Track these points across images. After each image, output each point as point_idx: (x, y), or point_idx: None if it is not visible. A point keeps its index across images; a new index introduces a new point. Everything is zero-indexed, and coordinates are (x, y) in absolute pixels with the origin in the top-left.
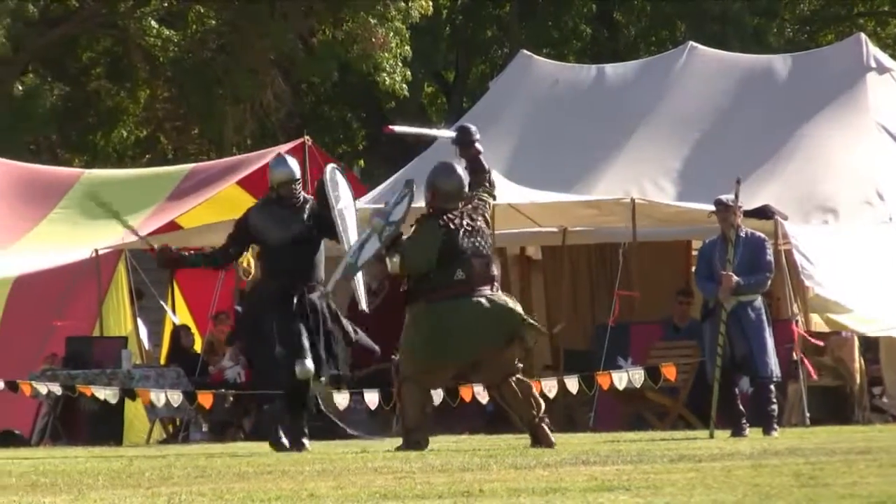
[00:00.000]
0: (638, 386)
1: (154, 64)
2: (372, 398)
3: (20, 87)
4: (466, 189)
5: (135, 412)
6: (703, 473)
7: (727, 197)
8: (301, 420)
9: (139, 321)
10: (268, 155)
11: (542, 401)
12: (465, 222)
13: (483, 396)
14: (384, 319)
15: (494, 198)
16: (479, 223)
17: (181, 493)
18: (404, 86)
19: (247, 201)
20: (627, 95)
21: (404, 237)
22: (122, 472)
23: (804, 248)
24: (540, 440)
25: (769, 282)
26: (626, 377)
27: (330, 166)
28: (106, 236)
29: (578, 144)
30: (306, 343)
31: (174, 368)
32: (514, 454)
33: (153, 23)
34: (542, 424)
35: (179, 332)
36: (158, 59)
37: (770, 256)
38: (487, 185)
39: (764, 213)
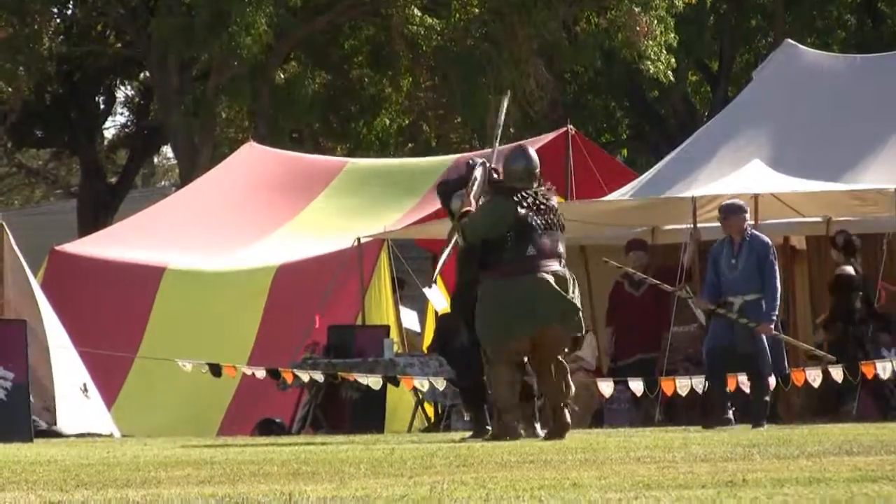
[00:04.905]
0: None
1: (417, 52)
2: (637, 386)
3: (282, 76)
4: (538, 171)
5: (397, 400)
6: None
7: None
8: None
9: (406, 306)
10: (532, 144)
11: (572, 387)
12: (538, 200)
13: (746, 385)
14: (649, 311)
15: None
16: (552, 202)
17: (443, 481)
18: (669, 73)
19: None
20: (891, 86)
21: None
22: (384, 460)
23: None
24: (556, 424)
25: None
26: (889, 367)
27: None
28: (368, 225)
29: (841, 135)
30: None
31: (437, 357)
32: (776, 444)
33: (416, 11)
34: (566, 410)
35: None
36: (421, 48)
37: None
38: None
39: None
